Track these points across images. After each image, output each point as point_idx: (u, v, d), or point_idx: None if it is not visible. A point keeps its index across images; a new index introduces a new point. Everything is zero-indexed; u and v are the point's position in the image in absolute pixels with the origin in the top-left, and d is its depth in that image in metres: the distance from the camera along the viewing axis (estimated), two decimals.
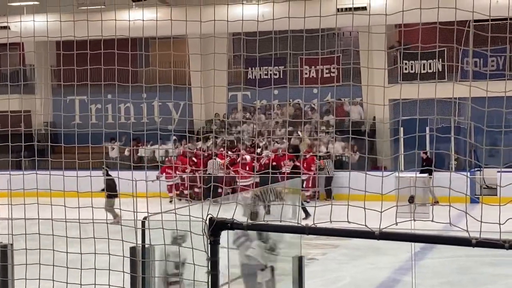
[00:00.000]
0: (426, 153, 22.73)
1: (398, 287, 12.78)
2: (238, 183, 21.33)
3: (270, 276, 8.88)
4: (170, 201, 22.66)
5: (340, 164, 25.83)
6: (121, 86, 7.19)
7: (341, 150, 25.97)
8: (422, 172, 19.82)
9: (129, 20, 6.36)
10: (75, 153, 6.37)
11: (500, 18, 6.00)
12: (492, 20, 5.48)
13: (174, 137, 26.02)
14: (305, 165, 23.68)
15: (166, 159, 26.58)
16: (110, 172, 17.70)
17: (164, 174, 23.74)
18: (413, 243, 10.51)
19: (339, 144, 26.03)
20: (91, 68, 6.63)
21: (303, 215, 14.66)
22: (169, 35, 6.53)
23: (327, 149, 26.13)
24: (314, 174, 23.60)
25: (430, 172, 19.20)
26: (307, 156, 24.37)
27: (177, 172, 24.51)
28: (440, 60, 25.60)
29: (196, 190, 24.03)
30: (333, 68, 27.87)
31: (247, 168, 23.00)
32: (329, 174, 24.45)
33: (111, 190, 17.24)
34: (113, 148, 27.12)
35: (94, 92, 7.20)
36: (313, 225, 4.93)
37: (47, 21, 6.43)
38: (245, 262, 8.83)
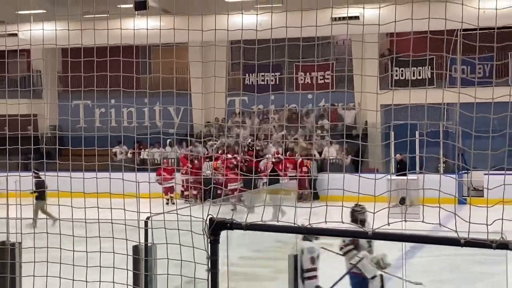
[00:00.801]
0: (401, 154, 22.82)
1: (389, 283, 12.78)
2: (228, 186, 21.35)
3: (380, 285, 8.63)
4: (167, 203, 22.54)
5: (334, 167, 25.85)
6: (124, 92, 7.20)
7: (335, 153, 26.02)
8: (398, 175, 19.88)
9: (134, 29, 6.37)
10: (82, 155, 6.37)
11: (487, 27, 6.03)
12: (479, 29, 5.50)
13: (169, 140, 25.94)
14: (280, 167, 23.70)
15: (164, 160, 26.46)
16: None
17: (160, 176, 23.51)
18: (403, 243, 10.52)
19: (332, 148, 26.08)
20: (96, 74, 6.64)
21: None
22: (171, 43, 6.54)
23: (321, 153, 26.17)
24: (290, 176, 23.44)
25: (404, 174, 19.17)
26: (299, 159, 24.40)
27: (173, 174, 24.39)
28: (430, 67, 25.66)
29: (194, 192, 23.93)
30: (327, 74, 27.91)
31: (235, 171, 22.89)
32: (312, 176, 24.44)
33: (40, 192, 16.13)
34: (121, 152, 27.15)
35: (98, 97, 7.22)
36: (308, 225, 4.94)
37: (56, 29, 6.44)
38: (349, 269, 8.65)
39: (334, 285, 8.55)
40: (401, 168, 21.86)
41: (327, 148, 26.03)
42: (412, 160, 21.32)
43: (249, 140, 25.62)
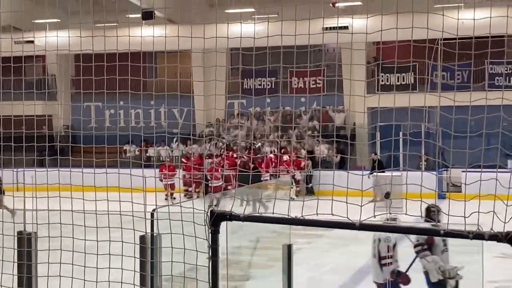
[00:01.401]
0: (376, 154, 22.80)
1: None
2: (211, 184, 21.18)
3: (455, 285, 8.34)
4: (166, 199, 21.88)
5: (324, 164, 25.89)
6: (132, 94, 7.21)
7: (326, 151, 26.05)
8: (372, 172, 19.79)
9: (141, 37, 6.38)
10: (93, 152, 6.37)
11: (465, 37, 6.05)
12: (458, 38, 5.50)
13: (175, 138, 25.83)
14: (263, 166, 23.61)
15: (168, 158, 26.18)
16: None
17: (160, 173, 22.73)
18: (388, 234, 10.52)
19: (323, 147, 26.10)
20: (106, 78, 6.63)
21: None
22: (175, 50, 6.54)
23: (312, 151, 26.18)
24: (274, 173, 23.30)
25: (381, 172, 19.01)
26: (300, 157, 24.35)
27: (175, 171, 24.05)
28: (413, 73, 25.69)
29: (190, 189, 23.42)
30: (319, 79, 27.93)
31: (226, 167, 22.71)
32: (310, 173, 24.45)
33: None
34: (130, 151, 27.09)
35: (108, 99, 7.21)
36: (301, 217, 4.94)
37: (69, 37, 6.44)
38: (423, 269, 8.51)
39: (407, 270, 8.45)
40: (378, 167, 21.72)
41: (318, 147, 26.02)
42: (396, 158, 21.34)
43: (258, 145, 25.42)
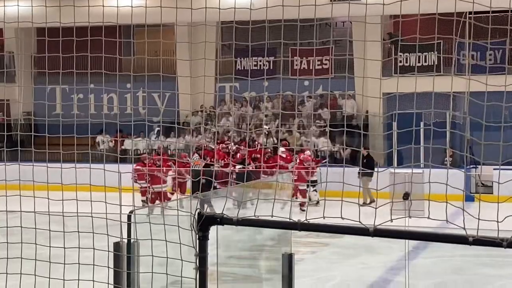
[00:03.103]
0: (367, 148, 22.73)
1: (390, 287, 12.85)
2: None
3: None
4: (144, 202, 21.38)
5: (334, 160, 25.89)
6: (105, 75, 7.19)
7: (328, 145, 26.05)
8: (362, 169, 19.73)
9: (117, 7, 6.37)
10: (59, 144, 6.36)
11: (499, 9, 6.03)
12: (491, 11, 5.50)
13: (158, 128, 25.65)
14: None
15: (144, 155, 25.34)
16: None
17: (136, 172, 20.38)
18: (406, 242, 10.59)
19: (323, 139, 26.03)
20: (72, 56, 6.62)
21: None
22: (157, 23, 6.54)
23: (314, 145, 26.18)
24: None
25: (371, 170, 18.89)
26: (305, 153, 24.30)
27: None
28: (436, 52, 25.71)
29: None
30: (325, 59, 27.90)
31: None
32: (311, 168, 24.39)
33: None
34: (104, 142, 26.92)
35: (77, 81, 7.21)
36: (305, 221, 4.94)
37: (32, 6, 6.43)
38: None
39: None
40: (367, 164, 21.64)
41: (322, 139, 26.00)
42: (416, 152, 21.34)
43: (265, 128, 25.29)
